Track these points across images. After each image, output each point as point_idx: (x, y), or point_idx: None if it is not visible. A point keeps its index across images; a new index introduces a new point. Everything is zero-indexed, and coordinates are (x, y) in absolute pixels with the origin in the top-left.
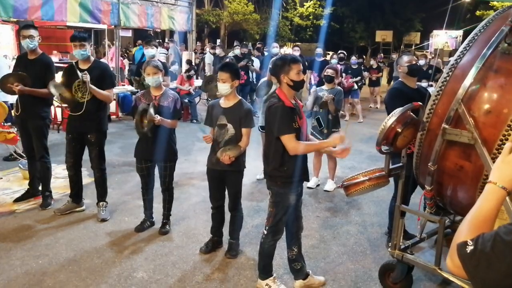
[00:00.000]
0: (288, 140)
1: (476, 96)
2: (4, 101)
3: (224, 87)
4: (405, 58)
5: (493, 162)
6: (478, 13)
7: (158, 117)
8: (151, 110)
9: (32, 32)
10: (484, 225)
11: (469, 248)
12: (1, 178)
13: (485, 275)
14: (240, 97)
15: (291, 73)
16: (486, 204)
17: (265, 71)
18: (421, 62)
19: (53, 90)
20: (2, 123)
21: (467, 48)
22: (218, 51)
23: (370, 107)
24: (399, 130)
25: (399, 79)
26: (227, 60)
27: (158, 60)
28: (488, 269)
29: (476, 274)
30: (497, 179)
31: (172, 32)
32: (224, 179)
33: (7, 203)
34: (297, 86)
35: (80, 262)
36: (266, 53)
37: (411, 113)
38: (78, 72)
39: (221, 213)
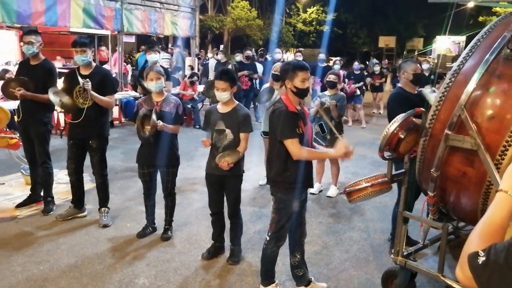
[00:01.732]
0: (291, 144)
1: (479, 101)
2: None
3: (224, 95)
4: (412, 66)
5: (496, 168)
6: (481, 18)
7: (160, 123)
8: (153, 116)
9: (32, 38)
10: (496, 234)
11: (481, 259)
12: (3, 183)
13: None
14: (237, 102)
15: (295, 79)
16: (498, 213)
17: (267, 76)
18: (425, 66)
19: (52, 97)
20: (5, 129)
21: (470, 54)
22: (219, 56)
23: (373, 112)
24: (402, 136)
25: (399, 85)
26: (229, 66)
27: (161, 65)
28: (501, 281)
29: (488, 286)
30: (509, 187)
31: (175, 38)
32: (223, 184)
33: (9, 209)
34: (301, 93)
35: (81, 268)
36: (269, 58)
37: (414, 119)
38: (80, 78)
39: (221, 219)
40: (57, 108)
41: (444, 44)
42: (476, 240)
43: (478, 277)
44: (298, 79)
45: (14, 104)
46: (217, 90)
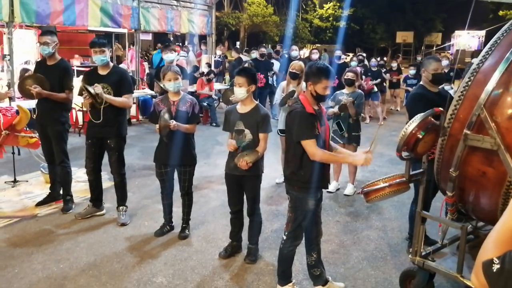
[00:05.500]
0: (309, 145)
1: (499, 101)
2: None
3: (240, 91)
4: (433, 65)
5: None
6: (501, 13)
7: (173, 122)
8: (166, 116)
9: (48, 38)
10: (511, 241)
11: (496, 266)
12: (26, 181)
13: None
14: (256, 102)
15: (318, 85)
16: None
17: (284, 74)
18: (444, 63)
19: (90, 88)
20: (25, 128)
21: (490, 52)
22: (233, 54)
23: (391, 109)
24: (420, 136)
25: (420, 83)
26: (246, 64)
27: (177, 64)
28: None
29: None
30: None
31: (191, 35)
32: (242, 184)
33: (29, 207)
34: (319, 99)
35: (100, 266)
36: (286, 55)
37: (432, 119)
38: (89, 87)
39: (240, 218)
40: (75, 107)
41: (464, 39)
42: (491, 247)
43: (493, 285)
44: (321, 85)
45: (33, 103)
46: (235, 86)
